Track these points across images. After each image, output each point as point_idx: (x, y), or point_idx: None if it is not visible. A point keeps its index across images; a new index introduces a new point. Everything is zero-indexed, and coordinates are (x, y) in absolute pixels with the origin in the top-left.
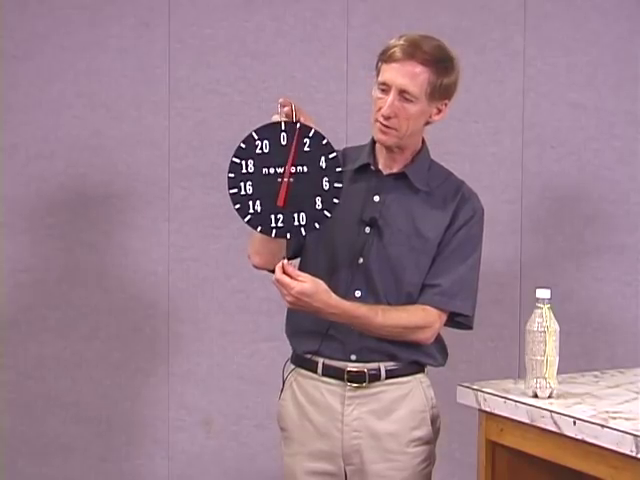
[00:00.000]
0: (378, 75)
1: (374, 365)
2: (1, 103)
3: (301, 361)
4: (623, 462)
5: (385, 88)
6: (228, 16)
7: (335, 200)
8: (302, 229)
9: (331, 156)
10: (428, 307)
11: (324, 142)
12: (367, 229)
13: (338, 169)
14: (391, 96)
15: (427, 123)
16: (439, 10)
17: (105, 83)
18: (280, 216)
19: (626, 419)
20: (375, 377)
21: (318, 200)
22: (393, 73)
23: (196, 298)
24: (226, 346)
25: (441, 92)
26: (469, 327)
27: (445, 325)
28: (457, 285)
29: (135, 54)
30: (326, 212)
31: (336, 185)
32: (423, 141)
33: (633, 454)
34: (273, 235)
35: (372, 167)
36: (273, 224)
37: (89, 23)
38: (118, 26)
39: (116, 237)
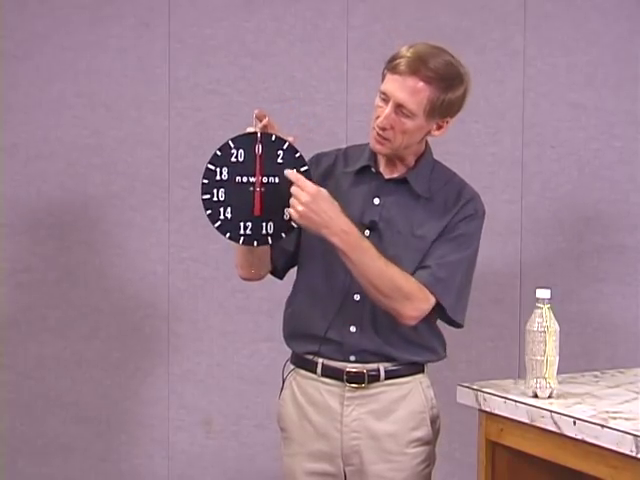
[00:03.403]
0: (383, 81)
1: (373, 366)
2: (1, 103)
3: (301, 361)
4: (623, 462)
5: (385, 98)
6: (228, 16)
7: None
8: (269, 238)
9: (303, 169)
10: (420, 284)
11: (297, 155)
12: (367, 232)
13: None
14: (388, 108)
15: (426, 136)
16: (439, 10)
17: (105, 83)
18: (249, 224)
19: (626, 419)
20: (374, 378)
21: (286, 211)
22: (395, 85)
23: (196, 298)
24: (226, 346)
25: (442, 109)
26: (457, 324)
27: (439, 319)
28: (443, 271)
29: (135, 54)
30: (293, 223)
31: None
32: (426, 143)
33: (633, 454)
34: (241, 242)
35: (372, 169)
36: (242, 232)
37: (89, 23)
38: (118, 26)
39: (116, 237)
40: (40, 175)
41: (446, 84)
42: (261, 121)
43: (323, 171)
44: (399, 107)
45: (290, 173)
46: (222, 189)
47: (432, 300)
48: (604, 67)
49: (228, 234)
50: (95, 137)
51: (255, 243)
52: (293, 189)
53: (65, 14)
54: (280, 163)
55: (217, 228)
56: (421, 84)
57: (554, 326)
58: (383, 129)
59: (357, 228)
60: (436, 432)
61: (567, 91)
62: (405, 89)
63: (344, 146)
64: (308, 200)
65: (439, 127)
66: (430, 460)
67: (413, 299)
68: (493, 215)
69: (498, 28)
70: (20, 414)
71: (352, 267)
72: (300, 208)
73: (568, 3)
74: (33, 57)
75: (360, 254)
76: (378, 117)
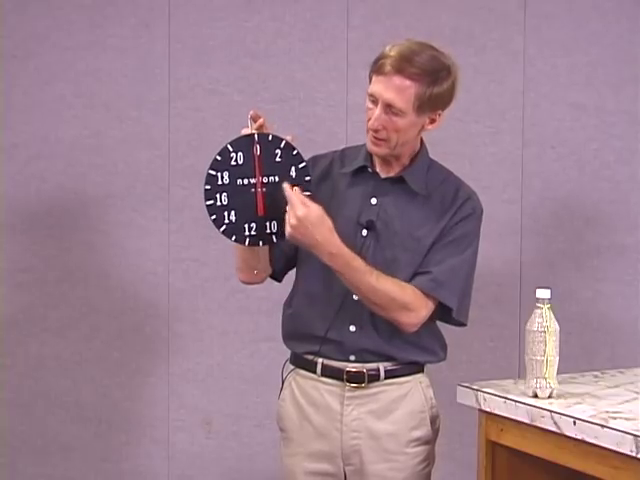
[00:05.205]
0: (370, 84)
1: (373, 365)
2: (1, 103)
3: (300, 362)
4: (623, 462)
5: (374, 99)
6: (228, 16)
7: None
8: (273, 236)
9: (301, 166)
10: (418, 291)
11: (294, 153)
12: (364, 232)
13: (307, 178)
14: (378, 109)
15: (421, 131)
16: (439, 10)
17: (105, 83)
18: (253, 225)
19: (626, 419)
20: (374, 377)
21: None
22: (381, 86)
23: (196, 298)
24: (226, 346)
25: (431, 103)
26: (461, 324)
27: (439, 320)
28: (446, 275)
29: (135, 54)
30: None
31: (305, 193)
32: (422, 142)
33: (633, 454)
34: (246, 244)
35: (369, 169)
36: (247, 233)
37: (89, 23)
38: (118, 26)
39: (116, 237)
40: (40, 175)
41: (432, 78)
42: (256, 122)
43: (320, 173)
44: (388, 107)
45: (286, 188)
46: (224, 193)
47: (431, 306)
48: (604, 67)
49: (234, 237)
50: (95, 137)
51: (261, 243)
52: (287, 207)
53: (65, 14)
54: (279, 162)
55: (223, 232)
56: (407, 82)
57: (554, 326)
58: (376, 130)
59: (354, 230)
60: (436, 432)
61: (567, 91)
62: (392, 89)
63: (342, 147)
64: (295, 224)
65: (432, 121)
66: (430, 460)
67: (410, 308)
68: (493, 215)
69: (498, 28)
70: (20, 414)
71: (345, 283)
72: (289, 229)
73: (568, 3)
74: (33, 57)
75: (351, 273)
76: (370, 119)
